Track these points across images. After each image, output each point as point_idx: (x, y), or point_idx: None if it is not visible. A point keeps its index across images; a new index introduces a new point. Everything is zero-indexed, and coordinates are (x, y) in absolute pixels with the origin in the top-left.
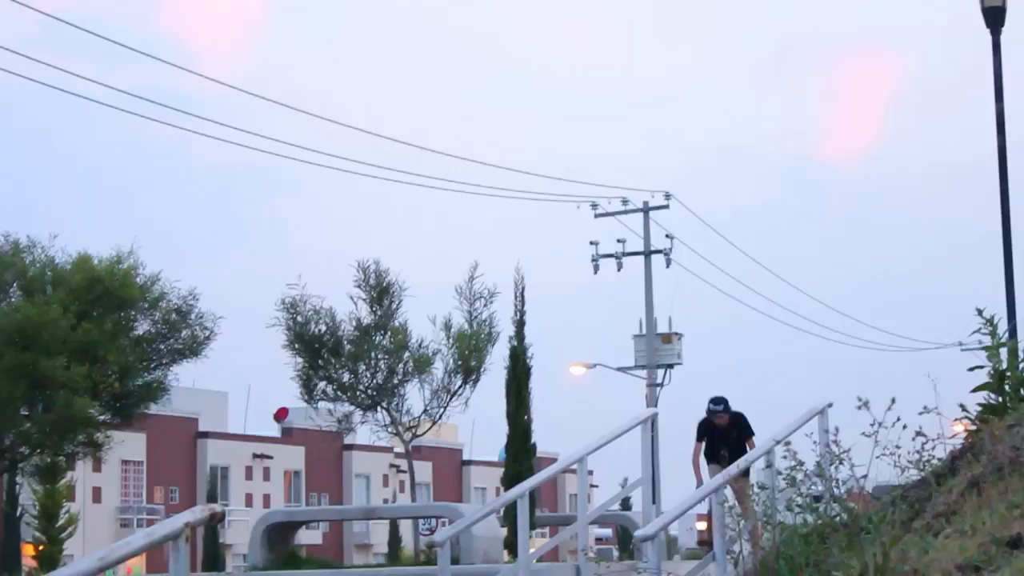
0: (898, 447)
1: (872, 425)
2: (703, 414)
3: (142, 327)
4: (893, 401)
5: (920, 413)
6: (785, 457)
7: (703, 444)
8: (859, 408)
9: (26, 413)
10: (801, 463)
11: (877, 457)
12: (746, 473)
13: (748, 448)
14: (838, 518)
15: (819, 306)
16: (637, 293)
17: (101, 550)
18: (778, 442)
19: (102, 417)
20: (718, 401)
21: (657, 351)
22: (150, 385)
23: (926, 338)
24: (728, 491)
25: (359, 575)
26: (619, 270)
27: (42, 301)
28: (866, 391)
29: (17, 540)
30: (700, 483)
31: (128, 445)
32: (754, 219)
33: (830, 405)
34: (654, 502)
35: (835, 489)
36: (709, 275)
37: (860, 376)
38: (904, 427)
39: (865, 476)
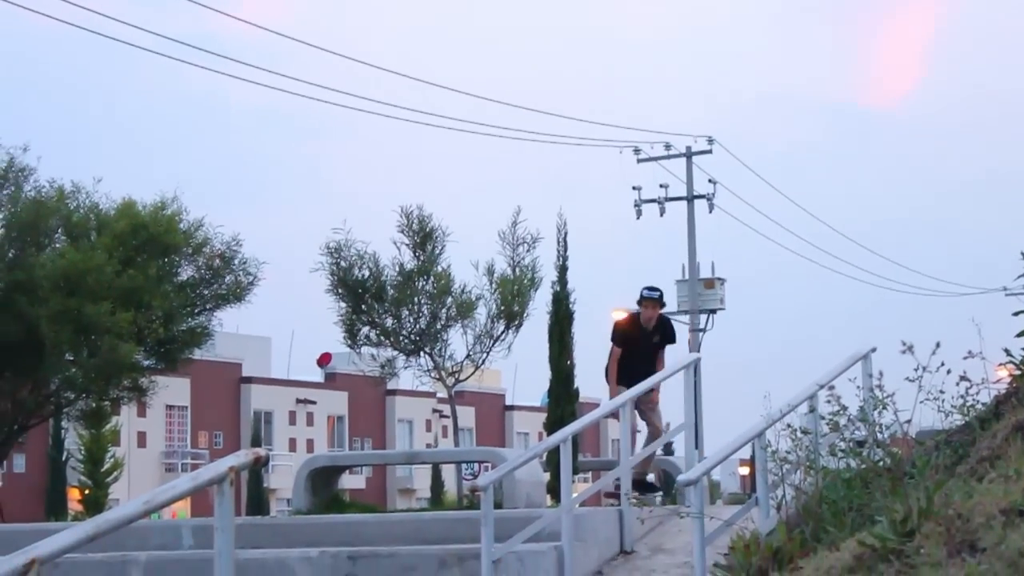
0: (942, 392)
1: (916, 370)
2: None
3: (186, 273)
4: (938, 345)
5: (964, 358)
6: (828, 402)
7: (620, 353)
8: (903, 352)
9: (71, 358)
10: (844, 408)
11: (921, 402)
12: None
13: (661, 362)
14: (881, 463)
15: (861, 250)
16: (680, 238)
17: (146, 494)
18: (821, 386)
19: (147, 362)
20: (654, 289)
21: (700, 296)
22: (194, 331)
23: (970, 283)
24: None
25: (402, 519)
26: (661, 215)
27: (87, 247)
28: (909, 336)
29: (63, 484)
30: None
31: (172, 390)
32: (796, 163)
33: (874, 350)
34: (697, 447)
35: (878, 434)
36: (751, 220)
37: (903, 321)
38: (948, 372)
39: (909, 421)
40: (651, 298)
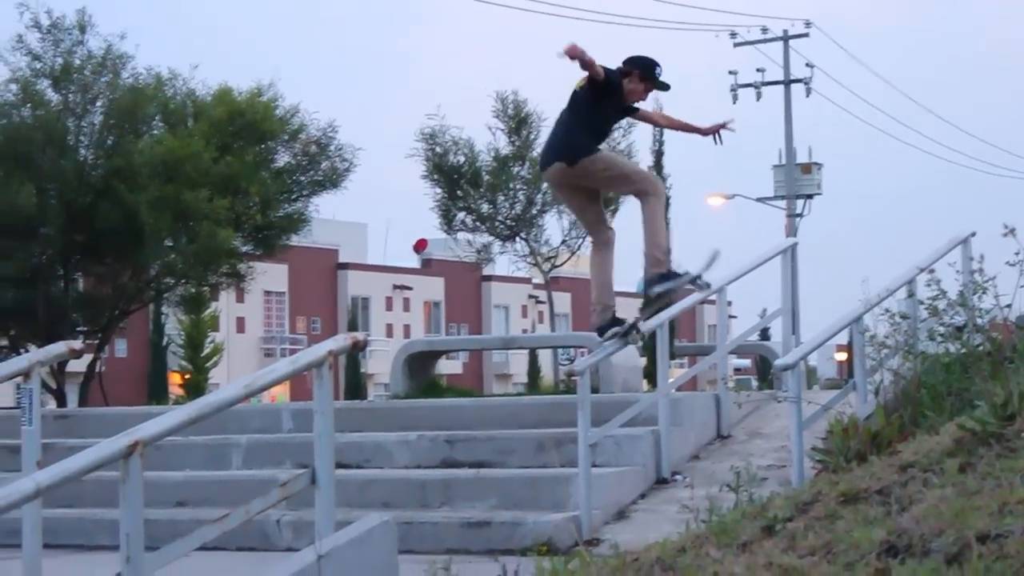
0: None
1: (1017, 254)
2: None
3: (282, 159)
4: None
5: None
6: (928, 286)
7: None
8: (1004, 236)
9: (171, 244)
10: (944, 292)
11: (1021, 286)
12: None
13: None
14: (981, 347)
15: (961, 134)
16: (776, 123)
17: (246, 377)
18: (921, 270)
19: (244, 249)
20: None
21: (796, 181)
22: (291, 217)
23: None
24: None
25: (499, 403)
26: (758, 100)
27: (184, 134)
28: (1011, 221)
29: (164, 369)
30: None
31: (270, 276)
32: (894, 47)
33: (973, 234)
34: (793, 332)
35: (978, 319)
36: (849, 104)
37: (1005, 205)
38: None
39: (1009, 306)
40: (664, 85)
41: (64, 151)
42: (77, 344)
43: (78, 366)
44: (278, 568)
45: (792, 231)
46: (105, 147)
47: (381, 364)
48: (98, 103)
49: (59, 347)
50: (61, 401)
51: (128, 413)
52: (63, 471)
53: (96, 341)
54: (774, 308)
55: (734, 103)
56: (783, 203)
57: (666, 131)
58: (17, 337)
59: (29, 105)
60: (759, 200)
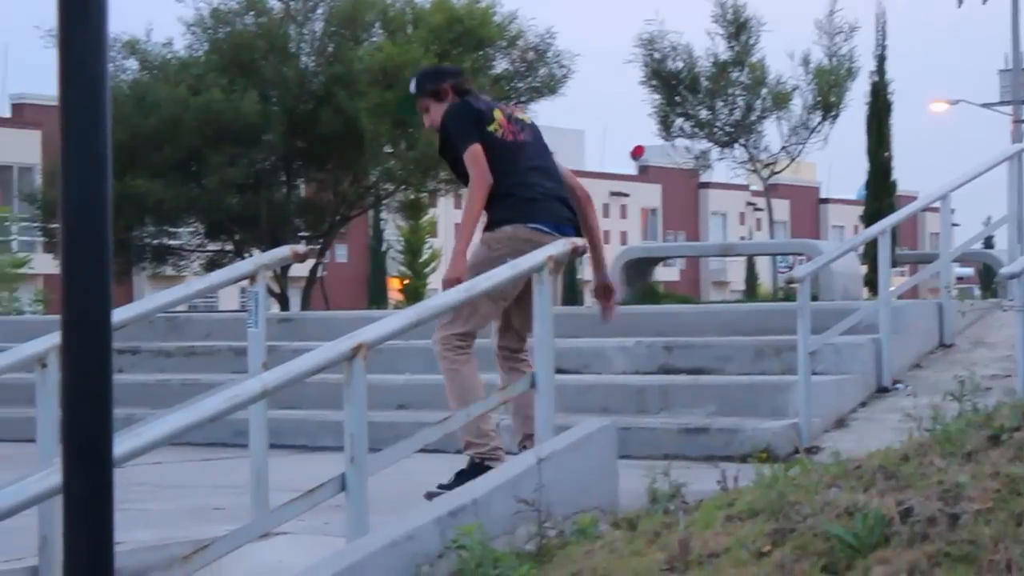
0: None
1: None
2: None
3: (500, 66)
4: None
5: None
6: None
7: None
8: None
9: (390, 151)
10: None
11: None
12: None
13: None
14: None
15: None
16: (1003, 26)
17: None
18: None
19: None
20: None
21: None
22: None
23: None
24: None
25: (718, 310)
26: (984, 2)
27: (403, 41)
28: None
29: (383, 274)
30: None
31: None
32: None
33: None
34: (1019, 240)
35: None
36: None
37: None
38: None
39: None
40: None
41: (286, 58)
42: (301, 248)
43: (300, 271)
44: (500, 470)
45: (1018, 137)
46: (326, 54)
47: None
48: (319, 10)
49: (283, 251)
50: (284, 305)
51: (349, 317)
52: (288, 372)
53: (318, 246)
54: (999, 216)
55: (959, 6)
56: (1009, 109)
57: (888, 35)
58: (241, 241)
59: (252, 13)
60: (984, 106)
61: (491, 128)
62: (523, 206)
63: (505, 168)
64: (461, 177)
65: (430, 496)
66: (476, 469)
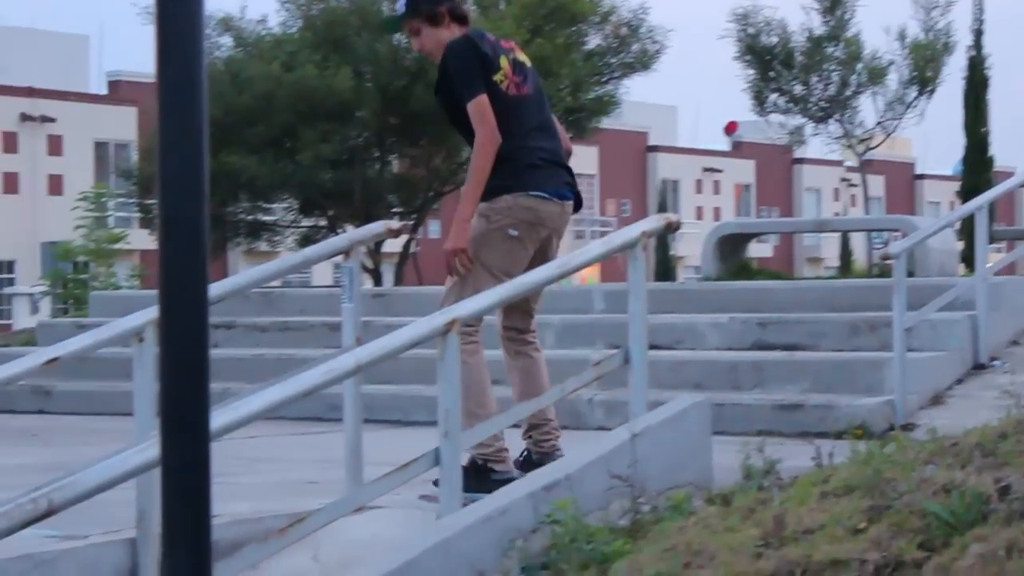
0: None
1: None
2: None
3: (593, 41)
4: None
5: None
6: None
7: None
8: None
9: None
10: None
11: None
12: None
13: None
14: None
15: None
16: None
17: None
18: None
19: None
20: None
21: None
22: (601, 99)
23: None
24: None
25: (812, 286)
26: None
27: (496, 16)
28: None
29: None
30: None
31: (580, 159)
32: None
33: None
34: None
35: None
36: None
37: None
38: None
39: None
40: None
41: (379, 34)
42: (395, 223)
43: (393, 246)
44: (593, 445)
45: None
46: None
47: (690, 247)
48: None
49: (377, 226)
50: (377, 280)
51: (441, 292)
52: (382, 348)
53: (411, 222)
54: None
55: None
56: None
57: (986, 9)
58: (335, 217)
59: None
60: None
61: (496, 78)
62: (524, 172)
63: (507, 128)
64: (456, 124)
65: (427, 498)
66: (477, 469)
